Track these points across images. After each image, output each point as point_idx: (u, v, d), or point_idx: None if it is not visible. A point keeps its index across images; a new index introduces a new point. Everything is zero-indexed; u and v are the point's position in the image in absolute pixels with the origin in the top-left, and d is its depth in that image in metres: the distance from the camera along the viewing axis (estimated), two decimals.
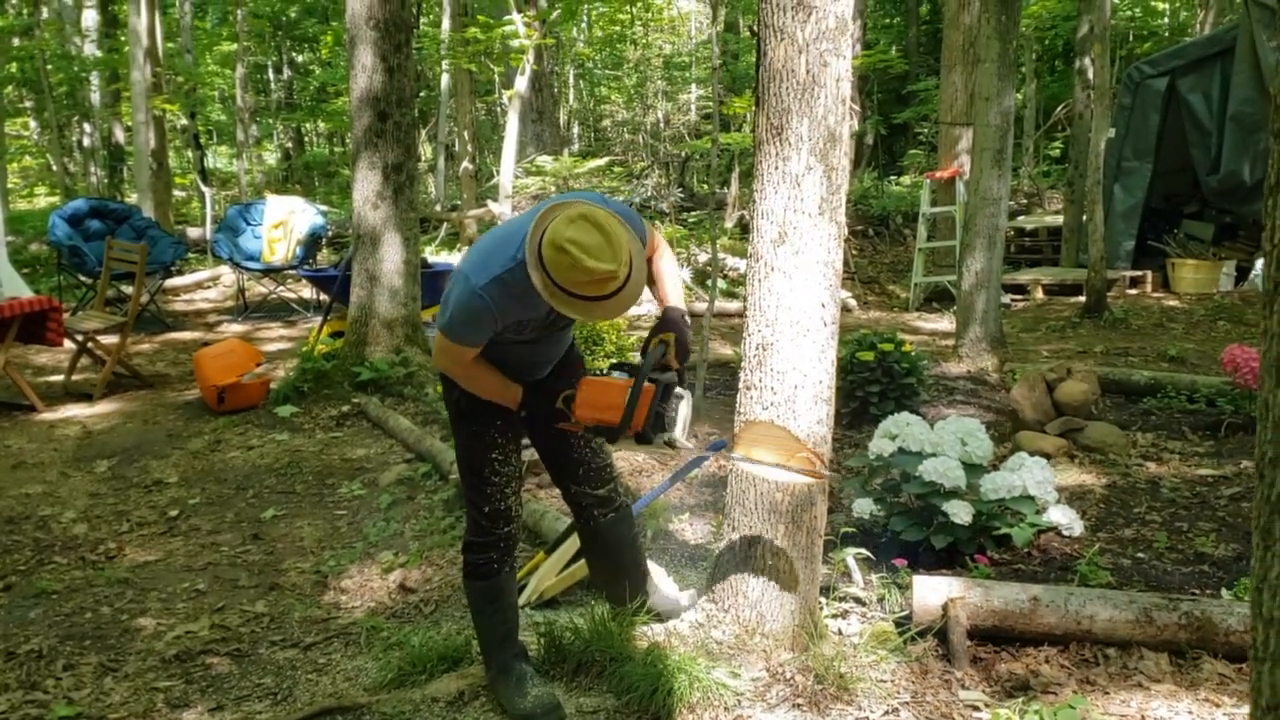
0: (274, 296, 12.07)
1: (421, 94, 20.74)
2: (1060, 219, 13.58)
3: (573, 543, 3.91)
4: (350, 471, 5.88)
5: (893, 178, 20.09)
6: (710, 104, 16.25)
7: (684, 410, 2.94)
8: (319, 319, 8.74)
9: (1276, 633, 1.58)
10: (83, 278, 10.88)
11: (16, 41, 18.52)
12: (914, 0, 23.16)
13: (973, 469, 4.05)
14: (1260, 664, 1.62)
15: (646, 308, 11.35)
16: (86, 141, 21.80)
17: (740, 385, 3.32)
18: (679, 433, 2.93)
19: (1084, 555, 3.90)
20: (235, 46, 19.09)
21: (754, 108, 3.23)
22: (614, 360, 7.36)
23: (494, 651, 3.19)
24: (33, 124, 24.31)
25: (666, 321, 3.03)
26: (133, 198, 15.84)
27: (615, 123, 21.95)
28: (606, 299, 2.68)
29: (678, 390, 2.94)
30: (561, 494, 3.49)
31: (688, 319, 3.09)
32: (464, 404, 3.09)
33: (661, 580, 3.78)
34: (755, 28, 3.22)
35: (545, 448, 3.38)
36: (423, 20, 21.22)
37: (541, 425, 3.23)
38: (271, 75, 28.71)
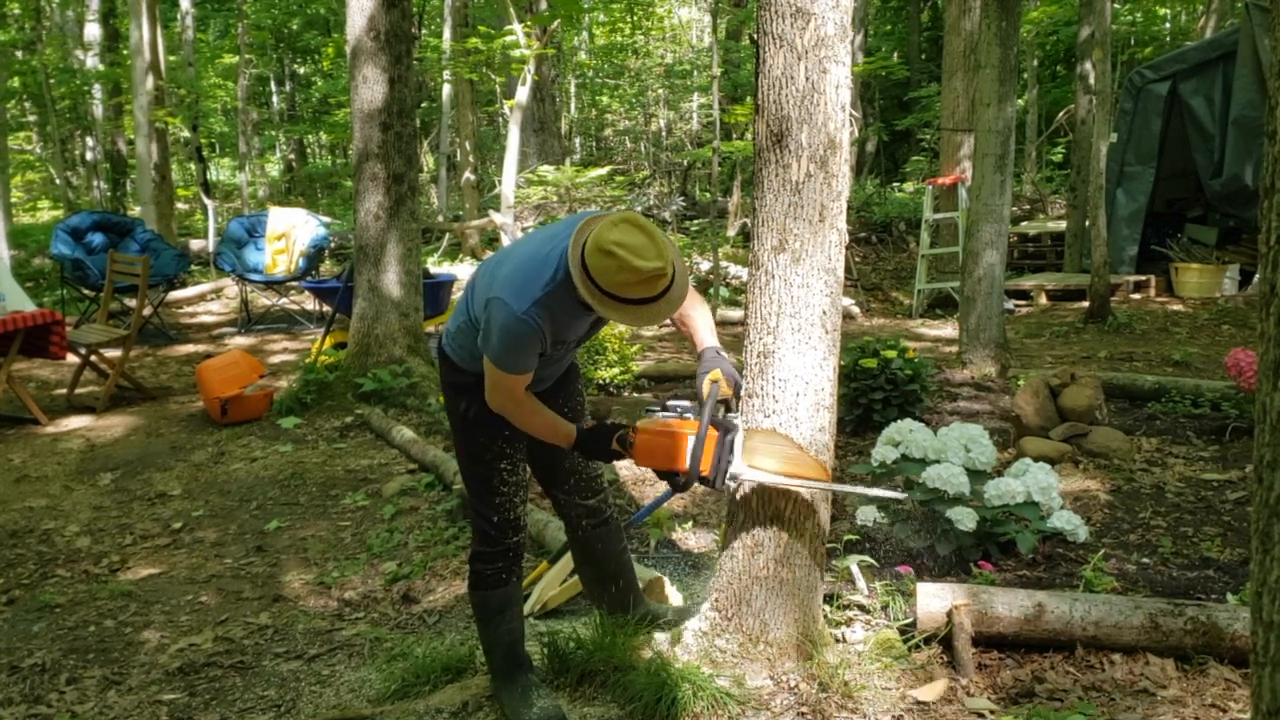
0: (277, 308, 12.09)
1: (423, 105, 20.79)
2: (1063, 224, 13.57)
3: None
4: (353, 482, 5.88)
5: (895, 184, 20.09)
6: (712, 112, 16.27)
7: (739, 440, 2.99)
8: (322, 330, 8.75)
9: (1277, 637, 1.57)
10: (86, 291, 10.90)
11: (19, 55, 18.59)
12: (915, 7, 23.18)
13: (976, 475, 4.04)
14: (1260, 668, 1.61)
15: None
16: (89, 155, 21.87)
17: (742, 393, 3.31)
18: (737, 467, 2.98)
19: (1089, 561, 3.88)
20: (237, 59, 19.16)
21: (754, 115, 3.23)
22: (618, 370, 7.37)
23: (499, 662, 3.18)
24: (35, 138, 24.40)
25: (709, 360, 3.07)
26: (136, 211, 15.88)
27: (617, 132, 21.99)
28: (657, 300, 2.72)
29: (735, 421, 3.01)
30: (551, 502, 3.51)
31: (724, 354, 3.12)
32: (473, 414, 3.06)
33: (665, 588, 3.77)
34: (755, 36, 3.22)
35: (535, 455, 3.36)
36: (424, 31, 21.28)
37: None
38: (274, 87, 28.81)
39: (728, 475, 2.95)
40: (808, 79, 3.07)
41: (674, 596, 3.83)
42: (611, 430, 3.01)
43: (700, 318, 3.17)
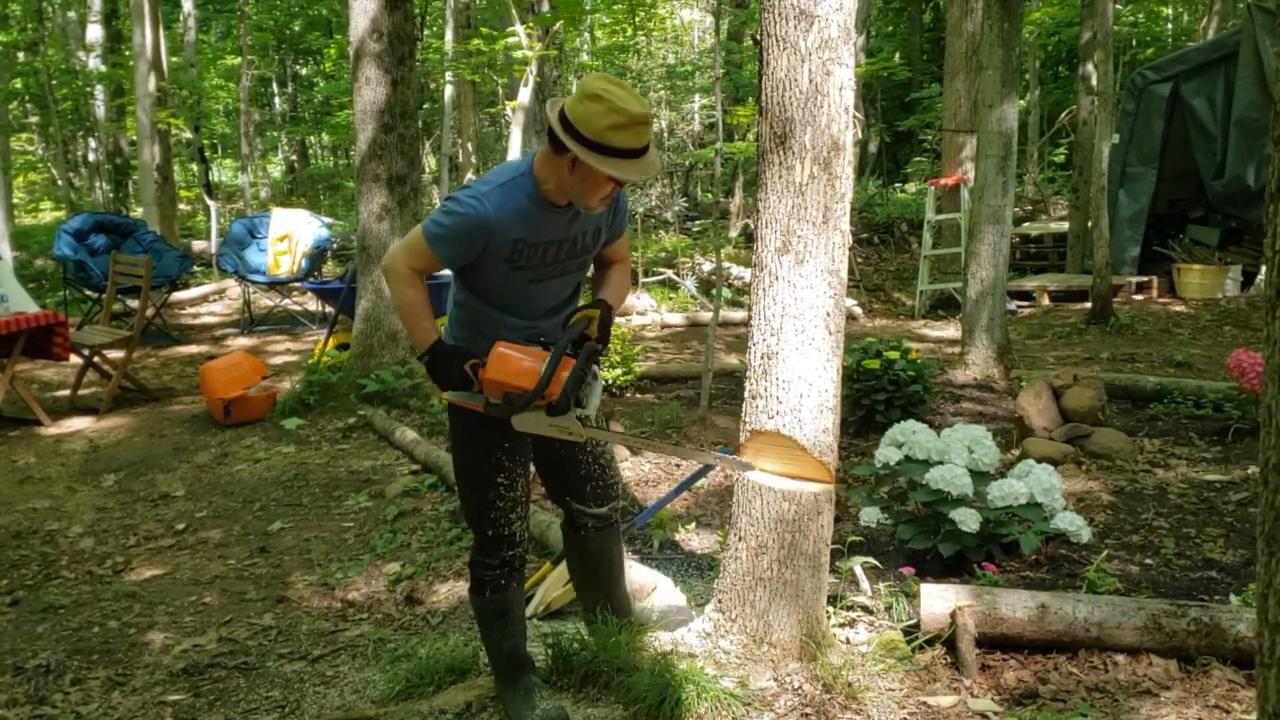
0: (279, 309, 12.11)
1: (425, 106, 20.80)
2: (1065, 225, 13.58)
3: None
4: (356, 483, 5.88)
5: (897, 185, 20.09)
6: (714, 113, 16.27)
7: (597, 390, 2.90)
8: (324, 331, 8.76)
9: None
10: (88, 292, 10.92)
11: (21, 56, 18.61)
12: (917, 8, 23.18)
13: (979, 476, 4.04)
14: (1266, 670, 1.62)
15: (651, 317, 11.37)
16: (91, 156, 21.89)
17: (745, 395, 3.32)
18: (591, 411, 2.87)
19: (1092, 562, 3.88)
20: (239, 60, 19.17)
21: (757, 117, 3.23)
22: (620, 371, 7.37)
23: (502, 665, 3.17)
24: (37, 139, 24.41)
25: (595, 303, 3.03)
26: (138, 212, 15.89)
27: None
28: (641, 154, 2.75)
29: (595, 369, 2.90)
30: (562, 509, 3.43)
31: (614, 317, 3.09)
32: (474, 422, 3.00)
33: (669, 590, 3.78)
34: (758, 37, 3.22)
35: (548, 463, 3.30)
36: (426, 32, 21.28)
37: (545, 441, 3.15)
38: (276, 88, 28.82)
39: (578, 412, 2.81)
40: (811, 81, 3.07)
41: (674, 596, 3.83)
42: (466, 354, 2.88)
43: (616, 283, 3.19)
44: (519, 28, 10.90)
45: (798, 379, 3.17)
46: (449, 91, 15.69)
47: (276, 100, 29.14)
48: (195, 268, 14.65)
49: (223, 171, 28.57)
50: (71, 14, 19.52)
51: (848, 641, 3.43)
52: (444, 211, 2.83)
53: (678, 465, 5.72)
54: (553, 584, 3.88)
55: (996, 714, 3.00)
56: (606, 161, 2.70)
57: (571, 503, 3.35)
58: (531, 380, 2.76)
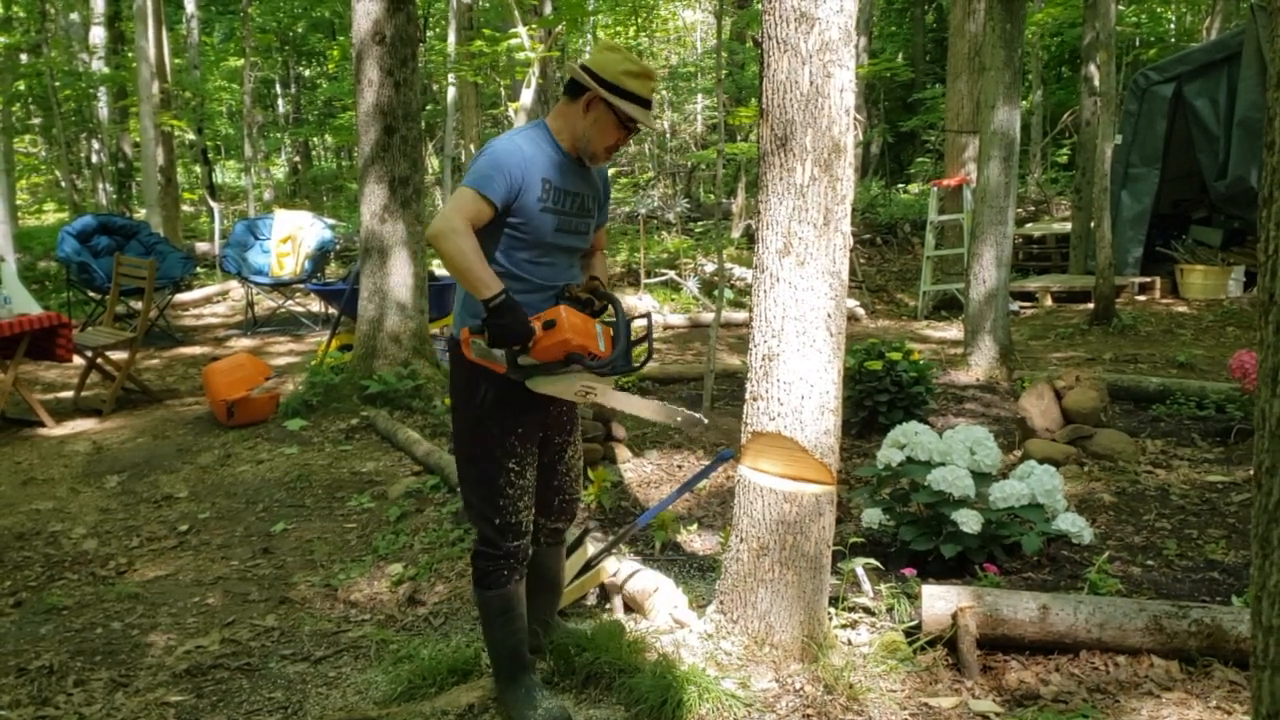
0: (282, 310, 12.12)
1: (428, 107, 20.82)
2: (1068, 226, 13.58)
3: (582, 553, 3.91)
4: (359, 485, 5.89)
5: (900, 186, 20.09)
6: (716, 114, 16.27)
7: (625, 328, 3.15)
8: (327, 333, 8.77)
9: (1276, 640, 1.57)
10: (91, 293, 10.93)
11: (24, 58, 18.62)
12: (920, 9, 23.18)
13: (981, 478, 4.05)
14: (1260, 671, 1.62)
15: (653, 318, 11.37)
16: (95, 158, 21.91)
17: (747, 396, 3.32)
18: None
19: (1093, 563, 3.88)
20: (242, 62, 19.18)
21: (759, 118, 3.24)
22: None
23: (503, 663, 3.16)
24: (40, 140, 24.44)
25: (592, 278, 3.22)
26: (141, 213, 15.91)
27: None
28: (648, 106, 3.05)
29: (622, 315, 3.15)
30: None
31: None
32: (489, 403, 3.00)
33: (670, 592, 3.78)
34: (759, 39, 3.23)
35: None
36: (428, 34, 21.30)
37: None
38: (279, 90, 28.85)
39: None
40: (812, 83, 3.08)
41: (676, 597, 3.82)
42: (524, 311, 2.90)
43: (600, 265, 3.38)
44: (521, 29, 10.91)
45: (799, 380, 3.17)
46: (451, 93, 15.70)
47: (280, 102, 29.17)
48: (198, 269, 14.68)
49: (226, 173, 28.62)
50: (74, 16, 19.53)
51: (849, 643, 3.44)
52: (479, 162, 2.95)
53: (679, 467, 5.72)
54: None
55: (998, 715, 3.01)
56: (621, 102, 2.96)
57: (539, 519, 3.34)
58: (594, 342, 2.96)
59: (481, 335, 2.93)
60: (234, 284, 13.24)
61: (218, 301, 13.67)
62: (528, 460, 3.10)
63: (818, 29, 3.05)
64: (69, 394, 8.18)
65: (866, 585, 3.78)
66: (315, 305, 12.18)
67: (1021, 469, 4.25)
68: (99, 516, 5.59)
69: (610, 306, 3.10)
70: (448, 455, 5.76)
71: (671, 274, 13.76)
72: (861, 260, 14.55)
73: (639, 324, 3.24)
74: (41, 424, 7.26)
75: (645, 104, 3.02)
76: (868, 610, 3.64)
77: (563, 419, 3.27)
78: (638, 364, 3.22)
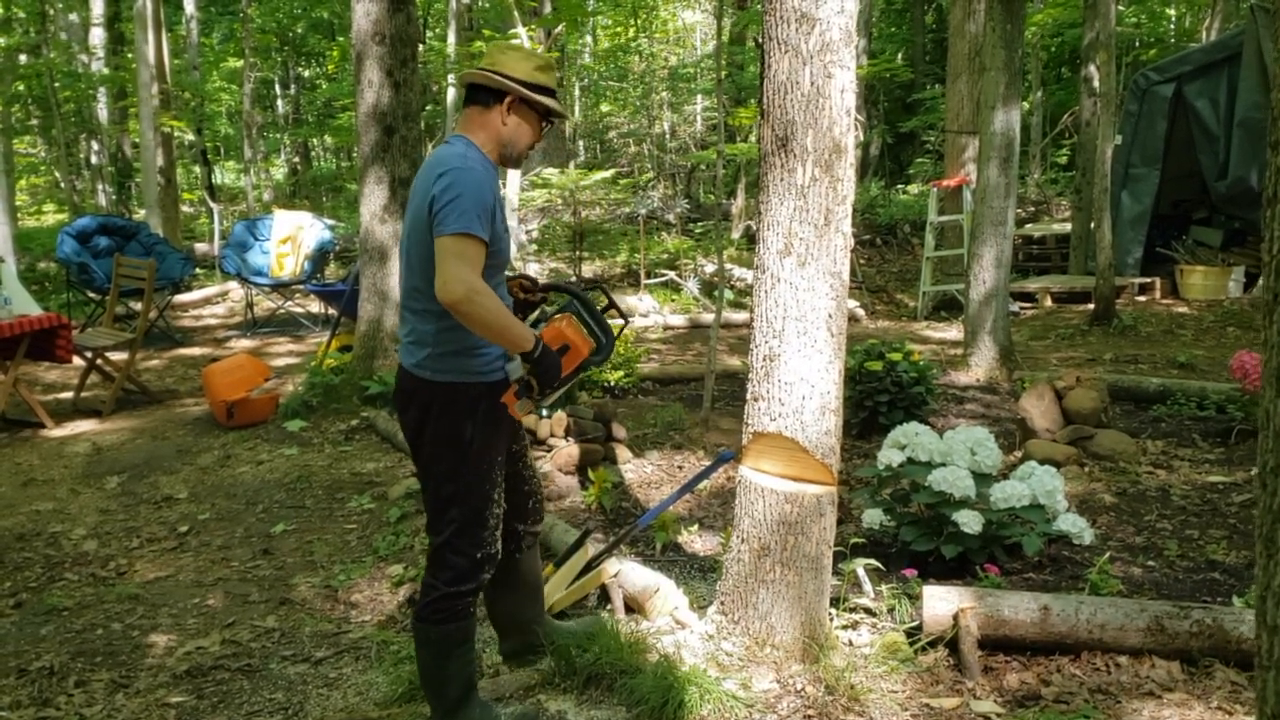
0: (282, 311, 12.11)
1: (427, 108, 20.82)
2: (1068, 226, 13.57)
3: (582, 555, 3.91)
4: (359, 485, 5.89)
5: (900, 186, 20.09)
6: (716, 114, 16.27)
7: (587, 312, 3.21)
8: (327, 333, 8.77)
9: None
10: (91, 294, 10.92)
11: (24, 59, 18.62)
12: (920, 9, 23.18)
13: (982, 478, 4.04)
14: (1265, 671, 1.62)
15: (653, 318, 11.37)
16: (94, 158, 21.90)
17: (748, 397, 3.32)
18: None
19: (1094, 563, 3.88)
20: (242, 63, 19.19)
21: (759, 119, 3.24)
22: (622, 372, 7.37)
23: (457, 694, 3.02)
24: (40, 141, 24.44)
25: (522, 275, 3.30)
26: (141, 214, 15.92)
27: (621, 134, 22.00)
28: (555, 92, 3.08)
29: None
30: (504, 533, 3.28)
31: None
32: (479, 442, 2.91)
33: (671, 593, 3.78)
34: (760, 39, 3.23)
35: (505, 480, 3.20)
36: (428, 34, 21.31)
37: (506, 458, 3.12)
38: (278, 91, 28.85)
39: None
40: (813, 84, 3.08)
41: (677, 598, 3.82)
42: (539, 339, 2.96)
43: None
44: (521, 30, 10.92)
45: (800, 381, 3.17)
46: (451, 94, 15.70)
47: (279, 102, 29.17)
48: (198, 270, 14.67)
49: (225, 174, 28.61)
50: (74, 17, 19.53)
51: (850, 643, 3.43)
52: (452, 201, 2.74)
53: (680, 467, 5.72)
54: (555, 585, 3.88)
55: (999, 716, 3.01)
56: (540, 98, 2.99)
57: (513, 521, 3.30)
58: (586, 341, 3.00)
59: (520, 388, 2.86)
60: (234, 285, 13.23)
61: (217, 302, 13.66)
62: (502, 486, 3.05)
63: (818, 29, 3.05)
64: (69, 395, 8.18)
65: (867, 586, 3.77)
66: (315, 306, 12.17)
67: (1022, 470, 4.25)
68: (99, 517, 5.59)
69: (554, 295, 3.19)
70: None
71: (672, 275, 13.76)
72: (861, 261, 14.55)
73: (596, 295, 3.31)
74: (41, 425, 7.26)
75: (555, 95, 3.08)
76: (869, 611, 3.64)
77: (515, 425, 3.16)
78: (616, 334, 3.22)
